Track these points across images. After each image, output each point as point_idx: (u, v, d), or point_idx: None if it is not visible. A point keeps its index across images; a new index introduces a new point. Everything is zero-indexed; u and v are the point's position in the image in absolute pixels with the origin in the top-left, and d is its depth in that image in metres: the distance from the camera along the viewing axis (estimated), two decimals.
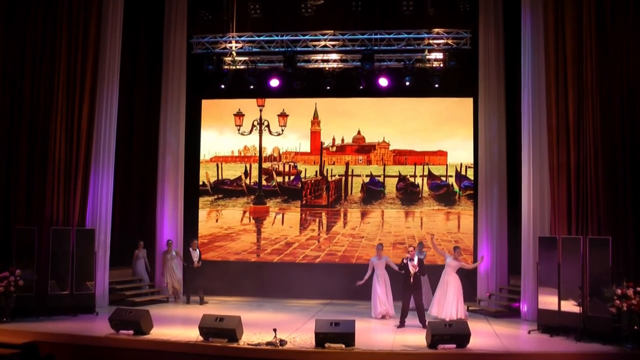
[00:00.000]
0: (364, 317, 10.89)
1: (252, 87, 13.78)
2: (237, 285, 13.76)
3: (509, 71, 12.60)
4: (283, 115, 14.63)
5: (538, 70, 10.69)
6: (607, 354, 8.48)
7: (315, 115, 14.61)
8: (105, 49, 11.62)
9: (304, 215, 14.55)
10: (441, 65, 13.18)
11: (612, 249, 9.09)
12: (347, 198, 14.50)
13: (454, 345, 8.34)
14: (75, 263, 10.86)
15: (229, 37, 13.53)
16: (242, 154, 14.86)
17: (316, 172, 14.65)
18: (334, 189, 14.52)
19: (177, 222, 13.63)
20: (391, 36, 13.21)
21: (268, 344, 8.38)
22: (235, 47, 13.60)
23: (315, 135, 14.66)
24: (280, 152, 14.76)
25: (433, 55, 13.25)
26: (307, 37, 13.44)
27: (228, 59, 13.65)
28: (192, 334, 8.86)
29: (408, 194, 14.24)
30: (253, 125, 14.74)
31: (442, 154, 14.12)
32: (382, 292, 11.15)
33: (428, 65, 13.28)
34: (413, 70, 13.24)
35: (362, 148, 14.58)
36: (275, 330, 8.56)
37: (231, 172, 14.84)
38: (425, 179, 14.18)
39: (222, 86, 13.75)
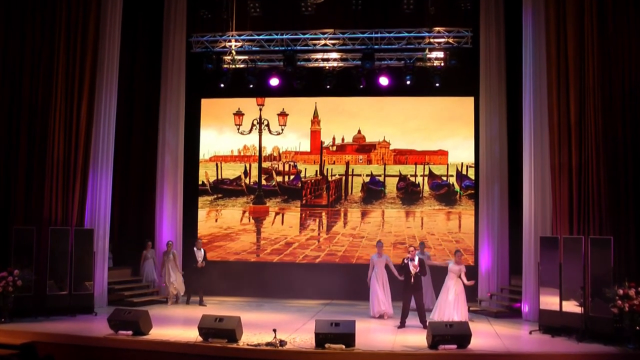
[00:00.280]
0: (364, 318, 10.87)
1: (251, 86, 13.74)
2: (236, 285, 13.73)
3: (510, 70, 12.57)
4: (283, 114, 14.59)
5: (539, 69, 10.65)
6: (609, 354, 8.43)
7: (315, 115, 14.56)
8: (104, 48, 11.58)
9: (304, 215, 14.50)
10: (442, 64, 13.13)
11: (613, 249, 9.05)
12: (347, 198, 14.45)
13: (455, 346, 8.30)
14: (73, 263, 10.82)
15: (229, 36, 13.49)
16: (242, 154, 14.82)
17: (316, 171, 14.61)
18: (334, 188, 14.48)
19: (176, 222, 13.58)
20: (392, 35, 13.15)
21: (268, 344, 8.34)
22: (235, 45, 13.56)
23: (315, 134, 14.61)
24: (280, 151, 14.72)
25: (434, 54, 13.22)
26: (307, 35, 13.39)
27: (228, 57, 13.62)
28: (191, 335, 8.81)
29: (409, 193, 14.19)
30: (253, 125, 14.69)
31: (443, 153, 14.08)
32: (380, 291, 11.11)
33: (429, 64, 13.24)
34: (414, 69, 13.19)
35: (362, 147, 14.53)
36: (275, 330, 8.53)
37: (231, 171, 14.80)
38: (426, 178, 14.14)
39: (222, 85, 13.71)
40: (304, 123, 14.63)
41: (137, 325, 8.86)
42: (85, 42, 11.22)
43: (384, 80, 13.49)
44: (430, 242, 12.89)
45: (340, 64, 13.77)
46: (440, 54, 13.16)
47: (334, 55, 13.71)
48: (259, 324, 9.92)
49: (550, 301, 9.67)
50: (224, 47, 13.66)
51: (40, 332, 9.14)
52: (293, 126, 14.62)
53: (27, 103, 11.09)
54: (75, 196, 11.06)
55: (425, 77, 13.22)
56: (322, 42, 13.46)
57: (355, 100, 14.37)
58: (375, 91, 13.79)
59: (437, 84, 13.16)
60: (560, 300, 9.51)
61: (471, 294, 11.17)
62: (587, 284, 9.22)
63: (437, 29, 12.97)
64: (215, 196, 14.75)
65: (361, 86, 13.51)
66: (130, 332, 8.87)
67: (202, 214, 14.65)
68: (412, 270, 10.15)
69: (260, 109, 14.66)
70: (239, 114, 14.71)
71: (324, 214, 14.47)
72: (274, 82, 13.73)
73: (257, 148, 14.75)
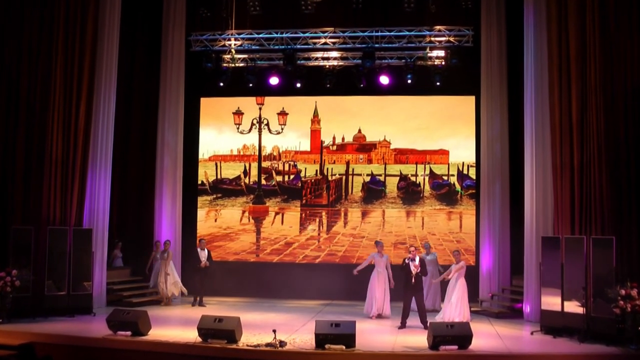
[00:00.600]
0: (364, 318, 10.84)
1: (251, 85, 13.69)
2: (236, 285, 13.68)
3: (512, 69, 12.54)
4: (283, 113, 14.53)
5: (541, 68, 10.61)
6: (611, 355, 8.40)
7: (316, 114, 14.51)
8: (103, 47, 11.52)
9: (304, 214, 14.45)
10: (443, 63, 13.09)
11: (615, 249, 9.02)
12: (347, 197, 14.40)
13: (456, 347, 8.28)
14: (72, 263, 10.79)
15: (228, 35, 13.43)
16: (242, 153, 14.77)
17: (316, 171, 14.56)
18: (335, 188, 14.43)
19: (175, 222, 13.53)
20: (392, 33, 13.09)
21: (267, 345, 8.31)
22: (235, 44, 13.51)
23: (315, 133, 14.56)
24: (280, 151, 14.66)
25: (435, 53, 13.17)
26: (307, 34, 13.33)
27: (227, 56, 13.57)
28: (190, 335, 8.77)
29: (409, 193, 14.14)
30: (252, 124, 14.64)
31: (444, 152, 14.02)
32: (380, 292, 11.04)
33: (429, 63, 13.20)
34: (414, 68, 13.15)
35: (362, 147, 14.48)
36: (274, 331, 8.50)
37: (230, 171, 14.74)
38: (426, 178, 14.09)
39: (221, 84, 13.67)
40: (304, 122, 14.58)
41: (136, 325, 8.83)
42: (84, 40, 11.17)
43: (384, 79, 13.44)
44: (431, 242, 12.83)
45: (341, 63, 13.71)
46: (441, 53, 13.11)
47: (334, 54, 13.66)
48: (258, 325, 9.89)
49: (551, 301, 9.64)
50: (224, 45, 13.60)
51: (39, 332, 9.11)
52: (293, 125, 14.57)
53: (25, 102, 11.04)
54: (74, 196, 11.01)
55: (426, 76, 13.17)
56: (322, 40, 13.40)
57: (356, 99, 14.32)
58: (376, 90, 13.74)
59: (438, 83, 13.12)
60: (562, 301, 9.48)
61: (472, 294, 11.12)
62: (589, 285, 9.19)
63: (438, 27, 12.92)
64: (214, 196, 14.69)
65: (361, 85, 13.46)
66: (129, 333, 8.84)
67: (201, 213, 14.59)
68: (413, 270, 10.10)
69: (260, 108, 14.61)
70: (238, 113, 14.66)
71: (324, 213, 14.42)
72: (274, 81, 13.68)
73: (257, 147, 14.70)
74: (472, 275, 12.10)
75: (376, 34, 13.14)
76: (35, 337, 8.74)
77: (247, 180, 14.69)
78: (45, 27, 11.11)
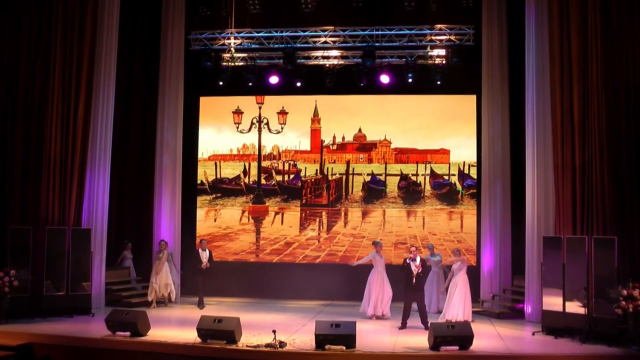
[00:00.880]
0: (364, 319, 10.79)
1: (251, 84, 13.63)
2: (236, 286, 13.65)
3: (513, 68, 12.48)
4: (282, 112, 14.48)
5: (542, 67, 10.58)
6: (613, 356, 8.38)
7: (316, 113, 14.46)
8: (102, 46, 11.48)
9: (304, 214, 14.40)
10: (444, 62, 13.04)
11: (617, 249, 8.99)
12: (347, 197, 14.35)
13: (457, 347, 8.26)
14: (71, 263, 10.75)
15: (228, 34, 13.37)
16: (241, 153, 14.72)
17: (316, 170, 14.51)
18: (335, 187, 14.38)
19: (174, 222, 13.45)
20: (393, 32, 13.02)
21: (267, 345, 8.28)
22: (234, 43, 13.45)
23: (315, 133, 14.51)
24: (280, 150, 14.61)
25: (435, 52, 13.10)
26: (307, 33, 13.26)
27: (227, 55, 13.51)
28: (190, 336, 8.74)
29: (410, 193, 14.09)
30: (252, 123, 14.59)
31: (445, 152, 13.97)
32: (379, 292, 10.97)
33: (430, 62, 13.14)
34: (415, 67, 13.10)
35: (363, 146, 14.43)
36: (274, 331, 8.45)
37: (230, 170, 14.69)
38: (427, 177, 14.03)
39: (221, 83, 13.60)
40: (304, 121, 14.53)
41: (135, 326, 8.80)
42: (83, 39, 11.12)
43: (384, 78, 13.39)
44: (431, 242, 12.78)
45: (341, 62, 13.66)
46: (442, 52, 13.06)
47: (335, 52, 13.60)
48: (258, 325, 9.85)
49: (553, 302, 9.60)
50: (223, 44, 13.54)
51: (37, 333, 9.07)
52: (293, 125, 14.52)
53: (23, 101, 11.01)
54: (73, 195, 10.97)
55: (426, 75, 13.12)
56: (323, 39, 13.33)
57: (356, 99, 14.27)
58: (376, 89, 13.69)
59: (439, 82, 13.06)
60: (564, 301, 9.44)
61: (473, 294, 11.08)
62: (590, 285, 9.16)
63: (438, 26, 12.86)
64: (214, 195, 14.64)
65: (362, 84, 13.40)
66: (128, 333, 8.81)
67: (200, 213, 14.55)
68: (414, 270, 10.05)
69: (260, 107, 14.56)
70: (238, 112, 14.61)
71: (324, 213, 14.37)
72: (274, 80, 13.63)
73: (257, 147, 14.65)
74: (473, 276, 12.03)
75: (376, 32, 13.08)
76: (33, 338, 8.73)
77: (246, 180, 14.64)
78: (43, 25, 11.07)
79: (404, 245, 13.44)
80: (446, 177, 13.97)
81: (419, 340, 8.88)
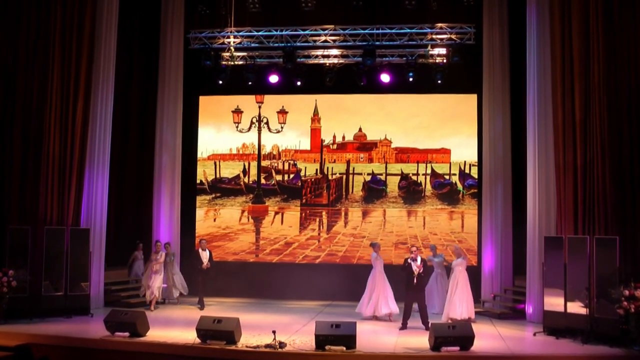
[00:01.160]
0: (365, 319, 10.73)
1: (250, 83, 13.60)
2: (235, 286, 13.61)
3: (514, 67, 12.47)
4: (282, 112, 14.44)
5: (544, 67, 10.56)
6: (615, 356, 8.36)
7: (316, 112, 14.41)
8: (100, 45, 11.45)
9: (304, 214, 14.36)
10: (444, 61, 13.01)
11: (619, 249, 8.97)
12: (348, 197, 14.30)
13: (458, 348, 8.24)
14: (69, 263, 10.72)
15: (227, 32, 13.33)
16: (241, 152, 14.67)
17: (316, 170, 14.46)
18: (335, 187, 14.33)
19: (173, 222, 13.44)
20: (393, 31, 12.98)
21: (267, 346, 8.26)
22: (234, 42, 13.41)
23: (315, 132, 14.46)
24: (280, 149, 14.56)
25: (436, 51, 13.07)
26: (307, 32, 13.21)
27: (226, 54, 13.48)
28: (189, 336, 8.71)
29: (410, 192, 14.04)
30: (252, 123, 14.54)
31: (446, 151, 13.93)
32: (381, 293, 10.91)
33: (431, 60, 13.10)
34: (415, 66, 13.06)
35: (363, 146, 14.38)
36: (274, 332, 8.42)
37: (229, 170, 14.65)
38: (428, 177, 13.99)
39: (220, 82, 13.57)
40: (304, 121, 14.48)
41: (134, 326, 8.78)
42: (81, 38, 11.08)
43: (385, 77, 13.36)
44: (432, 242, 12.75)
45: (341, 61, 13.62)
46: (443, 51, 13.02)
47: (335, 51, 13.56)
48: (258, 326, 9.81)
49: (554, 302, 9.58)
50: (223, 43, 13.49)
51: (36, 333, 9.05)
52: (293, 124, 14.47)
53: (21, 100, 10.97)
54: (71, 195, 10.93)
55: (427, 74, 13.08)
56: (323, 38, 13.28)
57: (356, 98, 14.22)
58: (377, 88, 13.65)
59: (440, 81, 13.03)
60: (565, 301, 9.42)
61: (475, 295, 11.05)
62: (592, 285, 9.15)
63: (439, 25, 12.82)
64: (213, 195, 14.59)
65: (362, 83, 13.37)
66: (127, 334, 8.79)
67: (200, 213, 14.50)
68: (415, 270, 10.01)
69: (260, 107, 14.51)
70: (237, 111, 14.56)
71: (324, 213, 14.33)
72: (274, 79, 13.59)
73: (256, 146, 14.60)
74: (474, 276, 12.01)
75: (377, 31, 13.04)
76: (32, 338, 8.71)
77: (246, 180, 14.59)
78: (42, 24, 11.03)
79: (405, 245, 13.40)
80: (447, 177, 13.92)
81: (420, 340, 8.86)
